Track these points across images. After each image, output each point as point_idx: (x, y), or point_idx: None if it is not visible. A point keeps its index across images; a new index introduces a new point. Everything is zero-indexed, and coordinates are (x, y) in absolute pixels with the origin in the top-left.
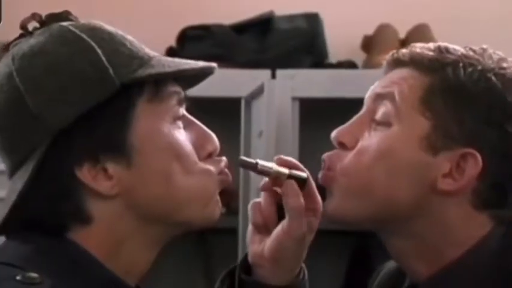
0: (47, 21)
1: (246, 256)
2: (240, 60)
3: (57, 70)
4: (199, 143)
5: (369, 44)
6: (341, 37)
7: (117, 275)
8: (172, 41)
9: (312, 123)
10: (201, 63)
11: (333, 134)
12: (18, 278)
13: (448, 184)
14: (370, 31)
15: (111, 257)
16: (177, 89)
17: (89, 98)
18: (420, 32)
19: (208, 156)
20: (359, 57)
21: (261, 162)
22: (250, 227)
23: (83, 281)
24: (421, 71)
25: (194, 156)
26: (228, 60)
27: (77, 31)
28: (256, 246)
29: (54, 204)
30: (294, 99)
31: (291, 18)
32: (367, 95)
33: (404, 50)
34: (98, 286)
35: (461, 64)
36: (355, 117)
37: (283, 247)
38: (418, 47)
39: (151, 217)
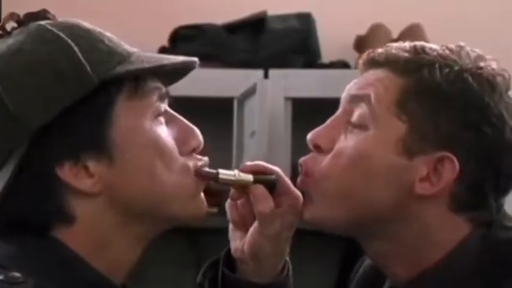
0: (24, 20)
1: (229, 250)
2: (232, 60)
3: (35, 69)
4: (182, 138)
5: (362, 44)
6: (334, 37)
7: (103, 273)
8: (164, 41)
9: (305, 123)
10: (181, 58)
11: (309, 136)
12: (0, 277)
13: (425, 188)
14: (363, 31)
15: (96, 255)
16: (158, 84)
17: (67, 96)
18: (413, 32)
19: (192, 152)
20: (352, 57)
21: (222, 171)
22: (230, 225)
23: (68, 280)
24: (396, 72)
25: (176, 152)
26: (220, 60)
27: (54, 29)
28: (238, 242)
29: (36, 204)
30: (286, 99)
31: (284, 18)
32: (343, 96)
33: (380, 50)
34: (83, 285)
35: (437, 65)
36: (330, 119)
37: (259, 246)
38: (394, 47)
39: (135, 214)
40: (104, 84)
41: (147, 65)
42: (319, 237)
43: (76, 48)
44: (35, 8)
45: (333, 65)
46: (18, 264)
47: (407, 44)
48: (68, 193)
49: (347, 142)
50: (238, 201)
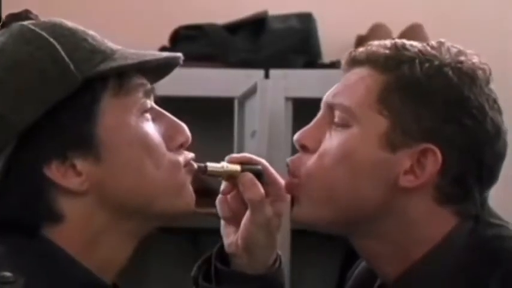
0: (7, 21)
1: (221, 246)
2: (233, 60)
3: (18, 69)
4: (169, 134)
5: (363, 44)
6: (334, 37)
7: (93, 272)
8: (165, 41)
9: (305, 123)
10: (164, 54)
11: (295, 137)
12: None
13: (410, 181)
14: (363, 31)
15: (86, 254)
16: (143, 81)
17: (51, 95)
18: (413, 32)
19: (180, 147)
20: None
21: (210, 164)
22: (222, 221)
23: (58, 279)
24: (377, 70)
25: (163, 148)
26: (221, 60)
27: (37, 29)
28: (231, 237)
29: (25, 203)
30: (287, 99)
31: (285, 18)
32: (324, 98)
33: (361, 49)
34: (74, 284)
35: (417, 61)
36: (315, 119)
37: (251, 236)
38: (375, 45)
39: (124, 211)
40: (89, 82)
41: (130, 62)
42: (321, 238)
43: (59, 47)
44: (34, 8)
45: (333, 65)
46: (8, 263)
47: (388, 42)
48: (56, 192)
49: (331, 141)
50: (229, 196)
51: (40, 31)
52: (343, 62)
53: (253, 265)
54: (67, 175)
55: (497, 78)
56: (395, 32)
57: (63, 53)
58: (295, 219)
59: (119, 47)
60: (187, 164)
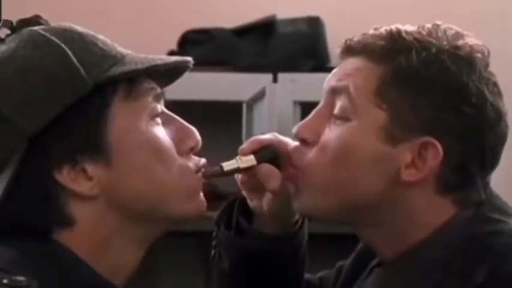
0: (18, 27)
1: (243, 199)
2: (241, 64)
3: (28, 74)
4: (179, 138)
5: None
6: (342, 41)
7: (104, 276)
8: (173, 45)
9: None
10: (174, 58)
11: (294, 129)
12: (5, 281)
13: (411, 175)
14: None
15: (97, 258)
16: (153, 85)
17: (61, 100)
18: None
19: (190, 151)
20: None
21: (225, 163)
22: (244, 192)
23: (70, 282)
24: (373, 61)
25: (173, 152)
26: (229, 64)
27: (47, 34)
28: (255, 202)
29: (35, 208)
30: (295, 102)
31: (293, 21)
32: (324, 88)
33: (357, 39)
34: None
35: (414, 50)
36: (314, 111)
37: (274, 208)
38: (371, 35)
39: (134, 215)
40: (99, 86)
41: (140, 66)
42: (326, 241)
43: (69, 52)
44: (35, 10)
45: None
46: (21, 267)
47: (383, 30)
48: (66, 196)
49: (331, 134)
50: (246, 178)
51: (50, 36)
52: (338, 50)
53: (275, 225)
54: (78, 179)
55: (498, 79)
56: None
57: (73, 58)
58: (295, 208)
59: (129, 52)
60: (198, 169)
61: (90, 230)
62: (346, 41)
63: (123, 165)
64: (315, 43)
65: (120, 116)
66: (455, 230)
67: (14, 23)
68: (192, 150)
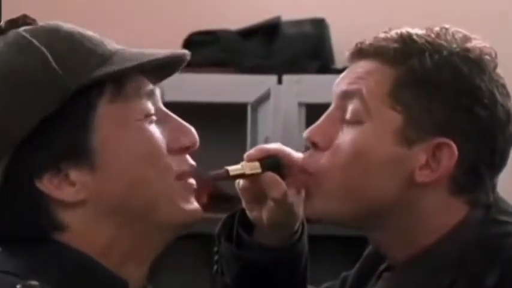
0: (5, 28)
1: (244, 210)
2: (246, 66)
3: (11, 79)
4: (174, 136)
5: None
6: (347, 42)
7: (114, 271)
8: (178, 47)
9: None
10: (167, 51)
11: (305, 134)
12: (18, 286)
13: (426, 176)
14: None
15: (104, 257)
16: (143, 82)
17: (44, 105)
18: None
19: (185, 150)
20: None
21: (230, 168)
22: (243, 202)
23: (80, 279)
24: (386, 63)
25: (163, 156)
26: (234, 65)
27: (28, 36)
28: (255, 213)
29: (25, 215)
30: (300, 104)
31: (298, 23)
32: (334, 92)
33: (368, 41)
34: (97, 284)
35: (426, 53)
36: (325, 115)
37: (275, 218)
38: (382, 38)
39: (127, 221)
40: (84, 89)
41: (128, 64)
42: (332, 244)
43: (49, 55)
44: (36, 9)
45: None
46: (32, 272)
47: (394, 33)
48: (53, 204)
49: (344, 138)
50: (248, 184)
51: (31, 38)
52: (348, 53)
53: (275, 237)
54: (61, 186)
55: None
56: None
57: (52, 62)
58: (308, 213)
59: (119, 48)
60: (183, 174)
61: (86, 234)
62: (357, 44)
63: (108, 169)
64: (319, 45)
65: (106, 119)
66: (467, 231)
67: (2, 25)
68: (187, 150)
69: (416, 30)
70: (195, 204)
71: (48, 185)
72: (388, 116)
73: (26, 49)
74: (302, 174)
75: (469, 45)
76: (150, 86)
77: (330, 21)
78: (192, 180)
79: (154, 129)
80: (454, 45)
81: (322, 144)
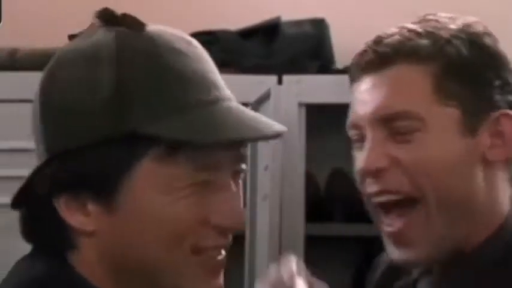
0: (104, 17)
1: None
2: (246, 66)
3: (70, 95)
4: (219, 210)
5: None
6: (348, 42)
7: None
8: None
9: (319, 128)
10: (235, 135)
11: (362, 166)
12: None
13: (498, 154)
14: None
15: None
16: (212, 154)
17: (85, 138)
18: None
19: (221, 231)
20: None
21: None
22: None
23: None
24: (421, 62)
25: (181, 231)
26: (234, 65)
27: (107, 58)
28: None
29: (47, 226)
30: (300, 104)
31: (298, 23)
32: (367, 115)
33: (383, 46)
34: None
35: (453, 40)
36: (368, 142)
37: None
38: (399, 36)
39: (128, 272)
40: (140, 133)
41: (198, 138)
42: (335, 246)
43: (123, 89)
44: (36, 10)
45: (347, 71)
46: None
47: (408, 31)
48: (65, 222)
49: (410, 154)
50: None
51: (112, 62)
52: (363, 61)
53: None
54: (74, 211)
55: None
56: None
57: (123, 99)
58: (407, 259)
59: (210, 99)
60: (208, 248)
61: (89, 262)
62: (369, 50)
63: (126, 219)
64: (320, 45)
65: (145, 173)
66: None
67: (110, 15)
68: (224, 232)
69: (431, 22)
70: (211, 283)
71: (62, 205)
72: (445, 113)
73: (106, 65)
74: (394, 222)
75: (466, 22)
76: (215, 158)
77: (330, 21)
78: (213, 254)
79: (189, 205)
80: (472, 29)
81: (386, 165)
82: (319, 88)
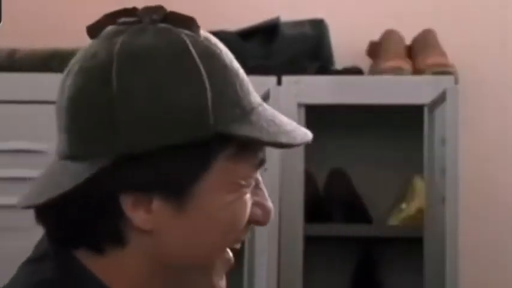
0: (167, 18)
1: None
2: (245, 67)
3: (158, 95)
4: (253, 209)
5: (375, 50)
6: (347, 43)
7: None
8: None
9: (318, 129)
10: (299, 138)
11: None
12: None
13: None
14: (375, 37)
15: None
16: (262, 151)
17: (177, 136)
18: (426, 38)
19: (252, 224)
20: (365, 63)
21: None
22: None
23: None
24: None
25: (239, 229)
26: None
27: (196, 56)
28: None
29: (90, 219)
30: (299, 105)
31: (297, 24)
32: None
33: None
34: None
35: None
36: None
37: None
38: None
39: (166, 269)
40: (217, 135)
41: (265, 138)
42: (333, 245)
43: (209, 94)
44: (35, 8)
45: (346, 71)
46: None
47: None
48: (124, 218)
49: None
50: None
51: (198, 60)
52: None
53: None
54: (137, 207)
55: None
56: (408, 38)
57: (209, 101)
58: None
59: (257, 102)
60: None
61: (129, 257)
62: None
63: (191, 219)
64: (319, 45)
65: (217, 173)
66: None
67: (162, 15)
68: (254, 225)
69: None
70: (224, 280)
71: (129, 202)
72: None
73: (188, 70)
74: None
75: None
76: (263, 156)
77: (329, 21)
78: (231, 255)
79: (249, 202)
80: None
81: None
82: (318, 89)
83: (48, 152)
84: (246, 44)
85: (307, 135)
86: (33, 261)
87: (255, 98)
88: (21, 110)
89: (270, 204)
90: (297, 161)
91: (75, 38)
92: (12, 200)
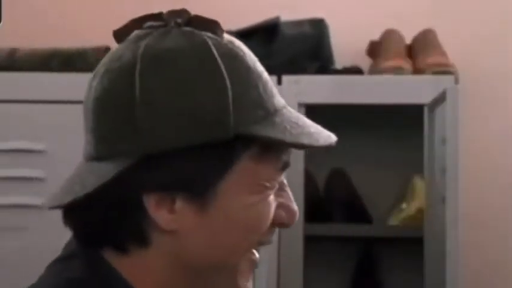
0: (191, 21)
1: None
2: None
3: (179, 95)
4: (278, 211)
5: (375, 50)
6: (347, 43)
7: None
8: None
9: None
10: (322, 140)
11: None
12: None
13: None
14: (375, 37)
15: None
16: (287, 153)
17: (197, 136)
18: (426, 38)
19: (277, 226)
20: (365, 62)
21: None
22: None
23: None
24: None
25: (262, 231)
26: None
27: (218, 58)
28: None
29: (114, 214)
30: (299, 105)
31: (297, 24)
32: None
33: None
34: None
35: None
36: None
37: None
38: None
39: (188, 271)
40: (238, 136)
41: (288, 139)
42: (333, 244)
43: (230, 93)
44: (35, 8)
45: (346, 71)
46: None
47: None
48: (148, 219)
49: None
50: None
51: (220, 61)
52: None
53: None
54: (160, 208)
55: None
56: (408, 38)
57: (230, 101)
58: None
59: (281, 105)
60: (253, 262)
61: (152, 258)
62: None
63: (213, 219)
64: (319, 45)
65: (240, 174)
66: None
67: (188, 17)
68: (278, 227)
69: None
70: (249, 281)
71: (153, 202)
72: None
73: (210, 72)
74: None
75: None
76: (287, 159)
77: (329, 21)
78: (257, 257)
79: (272, 204)
80: None
81: None
82: (318, 88)
83: (48, 151)
84: (246, 43)
85: (330, 137)
86: (62, 260)
87: (279, 100)
88: (21, 110)
89: (295, 206)
90: (297, 161)
91: (75, 38)
92: (13, 199)
